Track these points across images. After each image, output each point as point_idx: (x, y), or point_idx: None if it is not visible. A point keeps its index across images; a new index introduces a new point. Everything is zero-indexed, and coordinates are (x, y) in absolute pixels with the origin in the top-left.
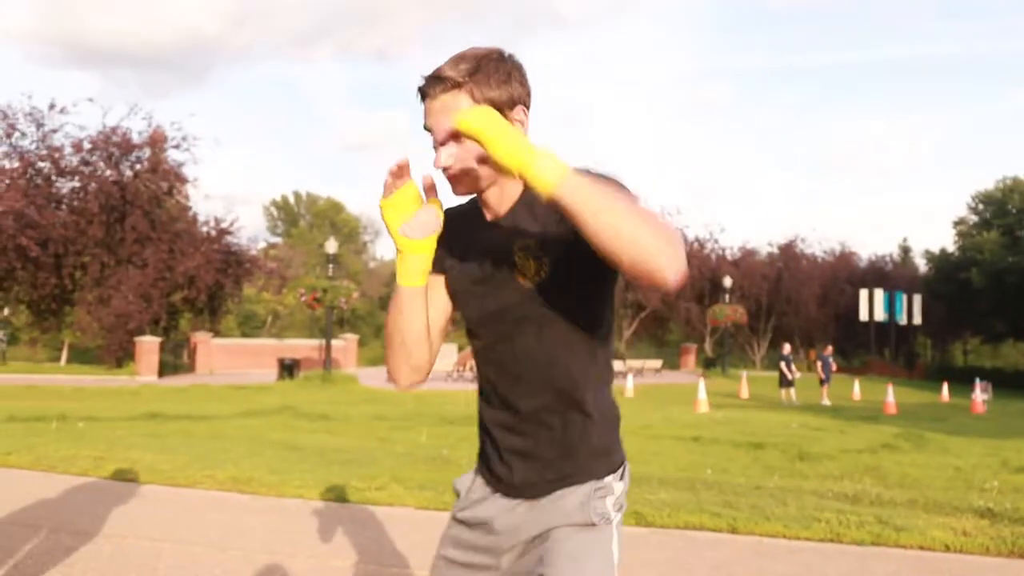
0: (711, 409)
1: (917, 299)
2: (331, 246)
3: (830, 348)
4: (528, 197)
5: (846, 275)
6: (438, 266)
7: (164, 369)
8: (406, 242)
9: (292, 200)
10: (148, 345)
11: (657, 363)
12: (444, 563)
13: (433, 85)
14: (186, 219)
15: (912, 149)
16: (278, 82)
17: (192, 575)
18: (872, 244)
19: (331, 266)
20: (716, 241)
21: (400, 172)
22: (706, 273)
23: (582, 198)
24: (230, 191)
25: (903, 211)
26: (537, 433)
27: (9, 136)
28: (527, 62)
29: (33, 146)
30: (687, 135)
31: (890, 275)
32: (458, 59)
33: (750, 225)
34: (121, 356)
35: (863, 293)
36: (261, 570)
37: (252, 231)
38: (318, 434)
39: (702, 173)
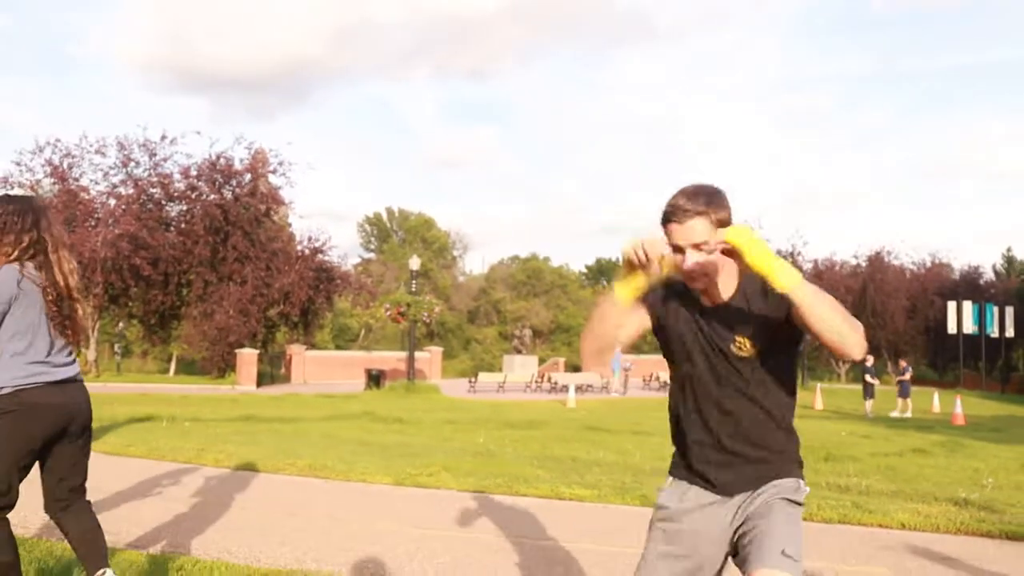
0: None
1: (1010, 311)
2: (414, 263)
3: (903, 362)
4: (743, 291)
5: (936, 287)
6: (650, 308)
7: (262, 379)
8: (637, 278)
9: (385, 216)
10: (247, 357)
11: None
12: (656, 561)
13: (678, 214)
14: (282, 238)
15: (1019, 155)
16: (376, 101)
17: (268, 530)
18: (976, 254)
19: (414, 282)
20: (799, 253)
21: (634, 264)
22: None
23: (808, 300)
24: (328, 208)
25: (1010, 221)
26: (752, 448)
27: (125, 165)
28: (620, 74)
29: (146, 174)
30: (784, 144)
31: (984, 287)
32: (694, 194)
33: (848, 234)
34: (223, 367)
35: (951, 305)
36: (321, 528)
37: (347, 247)
38: (389, 434)
39: (799, 182)
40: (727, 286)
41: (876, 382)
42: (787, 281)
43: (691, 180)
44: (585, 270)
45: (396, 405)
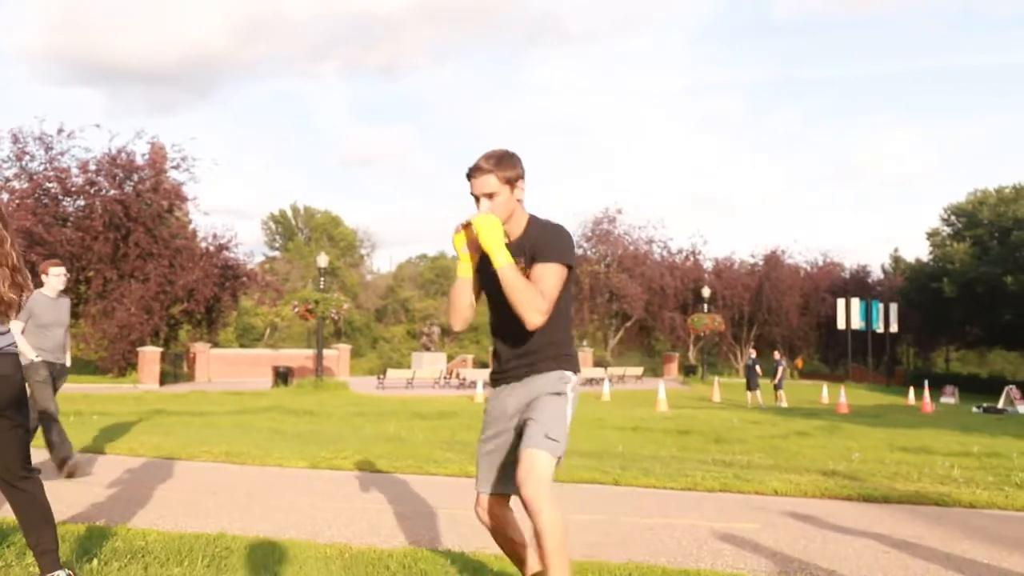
0: (669, 409)
1: (894, 308)
2: (322, 260)
3: (777, 354)
4: (522, 238)
5: (827, 285)
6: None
7: (165, 378)
8: (466, 256)
9: (290, 214)
10: (150, 355)
11: (638, 370)
12: (484, 442)
13: (475, 171)
14: (186, 235)
15: (912, 162)
16: (282, 97)
17: (191, 506)
18: (868, 256)
19: (322, 279)
20: (700, 253)
21: (466, 224)
22: (689, 284)
23: (505, 278)
24: (233, 205)
25: (900, 222)
26: (527, 350)
27: (20, 159)
28: (533, 76)
29: (42, 168)
30: (692, 147)
31: (872, 285)
32: (488, 156)
33: (747, 235)
34: (124, 365)
35: (840, 302)
36: (242, 504)
37: (251, 245)
38: (301, 424)
39: (706, 184)
40: (515, 229)
41: (760, 373)
42: (498, 263)
43: (600, 179)
44: None
45: (305, 400)
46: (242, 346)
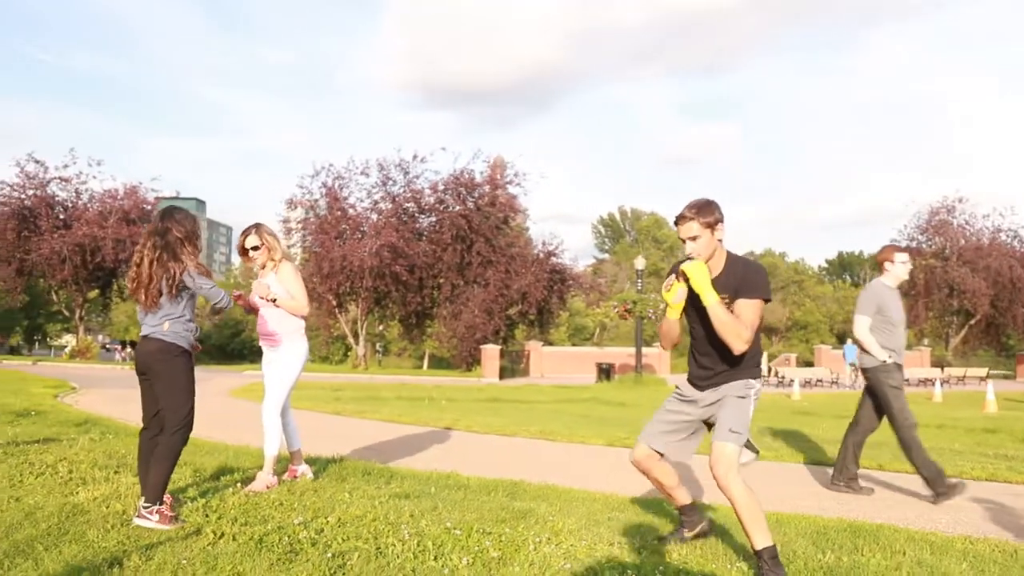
0: (997, 410)
1: None
2: (639, 263)
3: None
4: (725, 275)
5: None
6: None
7: (503, 372)
8: (676, 307)
9: (618, 217)
10: (491, 351)
11: (982, 371)
12: (667, 411)
13: (680, 219)
14: (519, 243)
15: None
16: (608, 103)
17: (502, 467)
18: None
19: (639, 280)
20: None
21: (672, 283)
22: None
23: (712, 313)
24: (562, 210)
25: None
26: (718, 365)
27: (384, 184)
28: (870, 56)
29: (401, 190)
30: None
31: None
32: (690, 206)
33: None
34: (470, 361)
35: None
36: (545, 466)
37: (581, 248)
38: (610, 412)
39: None
40: (715, 268)
41: None
42: (708, 302)
43: (944, 164)
44: (825, 264)
45: (622, 394)
46: (573, 345)
